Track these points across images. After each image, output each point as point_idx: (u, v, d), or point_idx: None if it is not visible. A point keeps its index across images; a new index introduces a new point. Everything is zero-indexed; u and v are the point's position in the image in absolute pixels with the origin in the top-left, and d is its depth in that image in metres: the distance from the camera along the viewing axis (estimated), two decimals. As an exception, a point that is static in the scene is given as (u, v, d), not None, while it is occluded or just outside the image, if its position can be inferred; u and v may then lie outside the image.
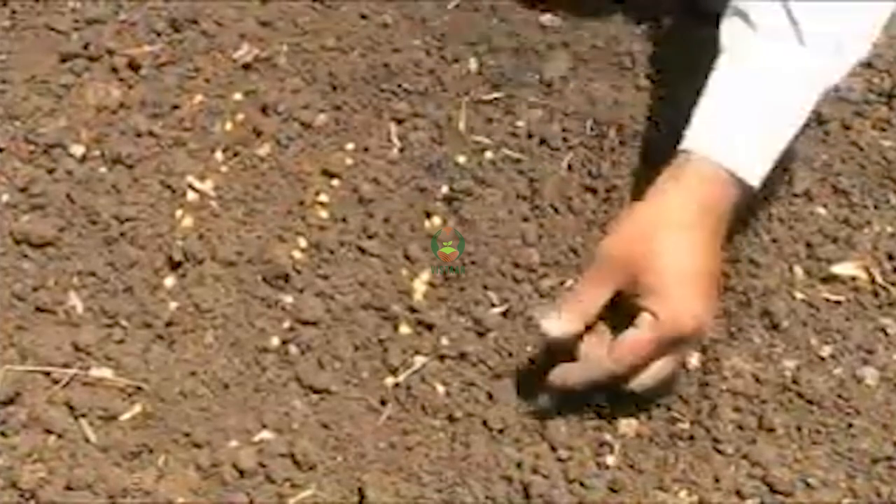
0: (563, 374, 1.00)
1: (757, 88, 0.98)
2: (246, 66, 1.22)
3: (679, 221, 0.96)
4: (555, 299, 1.08)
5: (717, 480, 0.99)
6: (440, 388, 1.05)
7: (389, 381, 1.06)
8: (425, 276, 1.10)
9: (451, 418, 1.04)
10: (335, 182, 1.16)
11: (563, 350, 1.00)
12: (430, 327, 1.08)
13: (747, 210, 1.11)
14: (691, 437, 1.02)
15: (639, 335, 0.96)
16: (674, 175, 0.98)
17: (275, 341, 1.08)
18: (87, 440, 1.02)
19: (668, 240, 0.95)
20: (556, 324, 0.97)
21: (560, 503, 0.98)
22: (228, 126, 1.19)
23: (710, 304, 0.98)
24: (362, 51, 1.23)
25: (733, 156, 0.96)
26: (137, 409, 1.05)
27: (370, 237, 1.12)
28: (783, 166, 1.13)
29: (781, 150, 0.99)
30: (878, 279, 1.08)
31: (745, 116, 0.98)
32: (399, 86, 1.20)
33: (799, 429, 1.01)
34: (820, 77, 0.98)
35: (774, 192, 1.12)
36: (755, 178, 0.98)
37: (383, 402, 1.05)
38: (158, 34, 1.24)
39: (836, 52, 0.97)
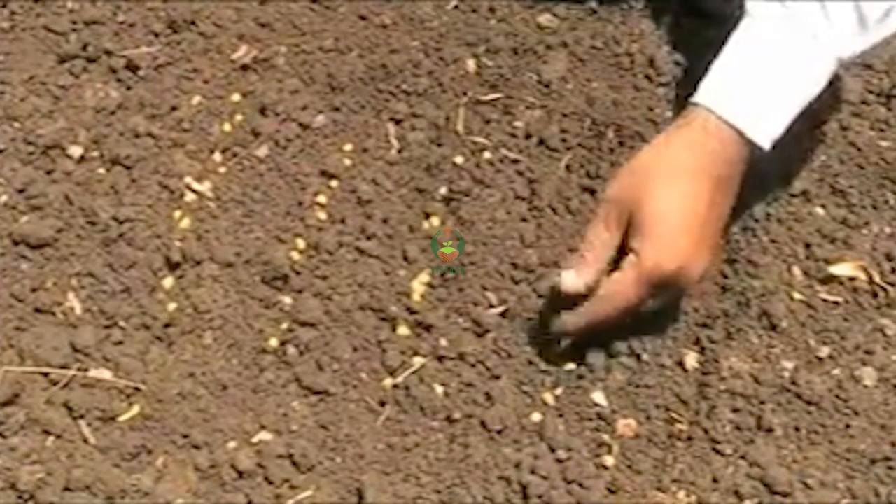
0: (559, 323, 1.03)
1: (774, 51, 0.99)
2: (244, 67, 1.22)
3: (678, 168, 0.98)
4: (554, 301, 1.08)
5: (715, 481, 1.00)
6: (439, 389, 1.05)
7: (388, 381, 1.06)
8: (424, 276, 1.10)
9: (449, 419, 1.04)
10: (334, 183, 1.16)
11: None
12: (428, 328, 1.08)
13: (745, 210, 1.11)
14: (690, 438, 1.02)
15: (621, 275, 0.98)
16: (680, 125, 1.00)
17: (273, 342, 1.08)
18: (85, 441, 1.03)
19: (664, 184, 0.97)
20: (574, 279, 1.00)
21: (558, 504, 0.98)
22: (227, 127, 1.19)
23: (700, 251, 0.99)
24: (361, 52, 1.23)
25: (741, 113, 0.97)
26: (136, 410, 1.05)
27: (369, 238, 1.12)
28: (781, 166, 1.13)
29: (794, 113, 1.00)
30: (877, 279, 1.08)
31: (759, 76, 0.99)
32: (397, 86, 1.20)
33: (797, 429, 1.02)
34: (840, 45, 0.99)
35: (773, 193, 1.12)
36: (764, 139, 0.98)
37: (382, 403, 1.05)
38: (157, 35, 1.24)
39: (858, 22, 0.98)
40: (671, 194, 0.98)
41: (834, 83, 1.09)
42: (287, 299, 1.10)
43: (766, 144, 0.99)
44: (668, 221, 0.97)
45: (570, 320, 1.02)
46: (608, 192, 1.01)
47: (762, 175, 1.13)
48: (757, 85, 0.99)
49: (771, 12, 1.00)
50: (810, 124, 1.14)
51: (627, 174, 1.01)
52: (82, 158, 1.17)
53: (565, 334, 1.04)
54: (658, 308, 1.03)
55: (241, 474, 1.01)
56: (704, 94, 0.99)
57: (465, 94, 1.20)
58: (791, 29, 0.99)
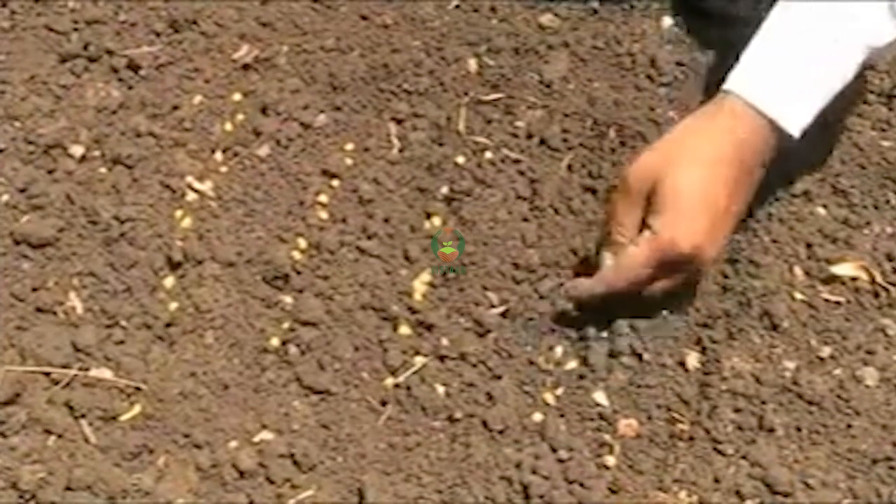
0: (573, 286, 1.04)
1: (805, 39, 0.99)
2: (245, 67, 1.22)
3: (703, 152, 0.98)
4: (554, 302, 1.08)
5: (716, 481, 0.99)
6: (440, 389, 1.05)
7: (389, 381, 1.06)
8: (425, 276, 1.10)
9: (450, 419, 1.04)
10: (335, 182, 1.16)
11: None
12: (429, 328, 1.08)
13: (746, 210, 1.11)
14: (691, 438, 1.02)
15: (636, 250, 0.99)
16: (708, 111, 1.00)
17: (275, 342, 1.08)
18: (86, 441, 1.02)
19: (688, 166, 0.98)
20: (585, 285, 1.03)
21: (560, 504, 0.98)
22: (228, 126, 1.19)
23: (716, 236, 0.99)
24: (362, 51, 1.23)
25: (771, 101, 0.98)
26: (137, 409, 1.04)
27: (370, 237, 1.12)
28: (783, 166, 1.13)
29: (823, 102, 1.00)
30: (878, 279, 1.08)
31: (789, 64, 0.99)
32: (399, 86, 1.20)
33: (799, 429, 1.02)
34: (871, 33, 0.99)
35: (774, 193, 1.12)
36: (793, 127, 0.99)
37: (383, 403, 1.05)
38: (158, 35, 1.24)
39: (889, 10, 0.99)
40: (694, 177, 0.98)
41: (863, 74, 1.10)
42: (288, 299, 1.10)
43: (796, 133, 1.00)
44: (689, 202, 0.98)
45: (583, 285, 1.04)
46: (629, 170, 1.02)
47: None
48: (787, 73, 0.99)
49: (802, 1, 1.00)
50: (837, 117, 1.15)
51: (651, 154, 1.01)
52: (84, 158, 1.17)
53: (577, 299, 1.05)
54: (670, 289, 1.03)
55: (242, 474, 1.01)
56: (735, 80, 1.00)
57: (466, 93, 1.20)
58: (823, 17, 0.99)
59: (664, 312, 1.07)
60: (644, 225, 1.01)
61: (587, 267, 1.08)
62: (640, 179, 1.00)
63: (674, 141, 1.01)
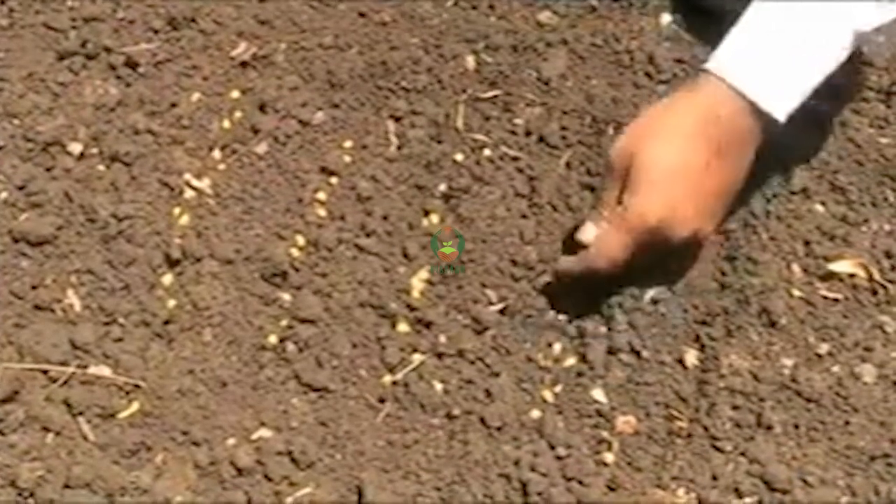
0: (557, 264, 1.06)
1: (790, 22, 0.99)
2: (244, 64, 1.22)
3: (677, 128, 0.99)
4: (551, 298, 1.08)
5: (715, 478, 0.99)
6: (438, 386, 1.05)
7: (387, 378, 1.06)
8: (423, 273, 1.10)
9: (449, 416, 1.04)
10: (333, 180, 1.16)
11: None
12: (428, 325, 1.08)
13: (745, 207, 1.11)
14: (689, 435, 1.02)
15: (609, 228, 1.00)
16: (687, 88, 1.01)
17: (273, 339, 1.08)
18: (85, 438, 1.02)
19: (660, 142, 0.98)
20: (590, 229, 1.03)
21: (558, 501, 0.98)
22: (226, 124, 1.19)
23: (691, 210, 0.99)
24: (360, 49, 1.23)
25: (752, 83, 0.98)
26: (135, 407, 1.05)
27: (368, 235, 1.12)
28: (780, 163, 1.13)
29: (810, 87, 1.00)
30: (877, 277, 1.08)
31: (773, 47, 0.99)
32: (397, 83, 1.20)
33: (797, 426, 1.01)
34: (858, 17, 0.99)
35: (772, 190, 1.12)
36: (778, 111, 0.98)
37: (381, 400, 1.05)
38: (156, 32, 1.24)
39: None
40: (664, 151, 0.99)
41: (855, 62, 1.09)
42: (286, 296, 1.10)
43: (781, 117, 0.99)
44: (656, 176, 0.98)
45: (566, 263, 1.05)
46: (612, 148, 1.02)
47: (761, 172, 1.13)
48: (771, 56, 0.98)
49: None
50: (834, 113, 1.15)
51: (630, 132, 1.02)
52: (82, 155, 1.17)
53: (565, 276, 1.06)
54: (651, 262, 1.04)
55: (240, 471, 1.01)
56: (715, 61, 1.00)
57: (464, 91, 1.20)
58: (807, 1, 0.99)
59: (653, 293, 1.07)
60: (618, 202, 1.01)
61: (575, 245, 1.08)
62: (620, 157, 1.01)
63: (651, 117, 1.02)
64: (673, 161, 0.98)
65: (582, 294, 1.07)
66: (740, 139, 1.00)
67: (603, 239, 1.02)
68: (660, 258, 1.05)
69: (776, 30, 0.99)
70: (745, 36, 1.00)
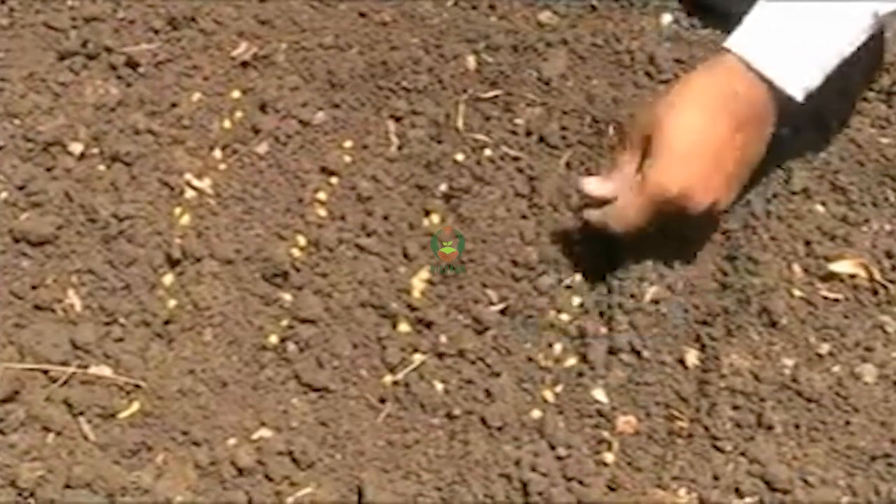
0: (585, 214, 1.07)
1: (808, 3, 1.00)
2: (244, 64, 1.22)
3: (698, 102, 1.00)
4: (554, 297, 1.08)
5: (715, 478, 0.99)
6: (439, 386, 1.05)
7: (388, 378, 1.06)
8: (424, 273, 1.10)
9: (449, 416, 1.04)
10: (334, 180, 1.16)
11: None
12: (428, 325, 1.08)
13: (745, 207, 1.11)
14: (690, 435, 1.02)
15: (629, 194, 1.02)
16: (707, 66, 1.03)
17: (273, 339, 1.08)
18: (85, 438, 1.02)
19: (681, 113, 1.00)
20: (594, 184, 1.05)
21: (559, 501, 0.98)
22: (227, 124, 1.19)
23: (710, 182, 1.01)
24: (361, 49, 1.23)
25: (770, 61, 0.99)
26: (136, 407, 1.05)
27: (369, 235, 1.12)
28: (781, 164, 1.13)
29: (828, 67, 1.00)
30: (877, 277, 1.08)
31: (792, 27, 0.99)
32: (397, 83, 1.20)
33: (798, 426, 1.01)
34: (877, 2, 1.00)
35: (772, 190, 1.12)
36: (796, 90, 1.00)
37: (382, 400, 1.05)
38: (157, 32, 1.24)
39: None
40: (685, 123, 1.00)
41: (877, 43, 1.10)
42: (287, 296, 1.10)
43: (799, 95, 1.00)
44: (677, 146, 1.00)
45: (587, 214, 1.07)
46: (634, 116, 1.05)
47: (762, 172, 1.13)
48: (789, 35, 0.99)
49: None
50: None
51: (651, 104, 1.04)
52: (82, 155, 1.17)
53: (588, 225, 1.08)
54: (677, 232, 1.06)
55: (241, 471, 1.01)
56: (735, 40, 1.01)
57: (465, 91, 1.20)
58: None
59: (653, 292, 1.07)
60: (639, 171, 1.03)
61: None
62: (638, 128, 1.03)
63: (671, 92, 1.03)
64: (695, 133, 1.00)
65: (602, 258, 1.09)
66: (758, 115, 1.01)
67: (621, 205, 1.03)
68: (676, 226, 1.06)
69: (795, 9, 1.00)
70: (764, 15, 1.01)
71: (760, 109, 1.01)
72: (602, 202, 1.05)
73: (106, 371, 1.05)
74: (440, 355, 1.06)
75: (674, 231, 1.07)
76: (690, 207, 1.02)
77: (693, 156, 1.00)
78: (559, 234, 1.12)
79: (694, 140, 1.00)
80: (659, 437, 1.03)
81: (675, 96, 1.02)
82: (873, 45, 1.09)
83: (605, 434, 1.03)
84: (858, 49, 1.02)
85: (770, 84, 0.99)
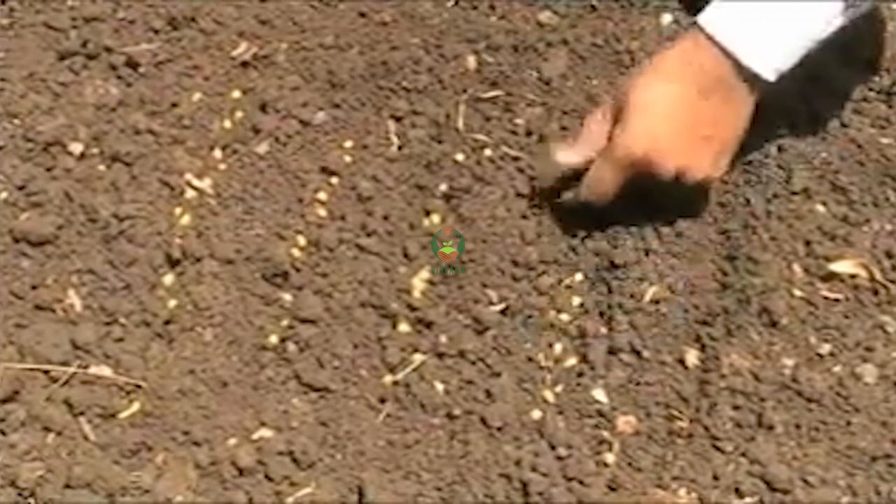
0: (562, 198, 1.12)
1: None
2: (244, 64, 1.22)
3: (664, 72, 1.04)
4: (554, 297, 1.08)
5: (716, 478, 1.00)
6: (439, 386, 1.05)
7: (388, 379, 1.06)
8: (424, 273, 1.10)
9: (450, 416, 1.04)
10: (334, 180, 1.16)
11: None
12: (429, 325, 1.08)
13: (745, 207, 1.11)
14: (690, 435, 1.02)
15: (599, 160, 1.06)
16: (678, 40, 1.05)
17: (273, 339, 1.08)
18: (86, 438, 1.03)
19: (648, 82, 1.04)
20: (564, 152, 1.10)
21: (559, 501, 0.98)
22: (227, 124, 1.19)
23: (677, 147, 1.03)
24: (361, 49, 1.23)
25: (734, 36, 1.00)
26: (136, 407, 1.05)
27: (369, 235, 1.12)
28: (781, 164, 1.13)
29: (798, 47, 1.01)
30: (878, 277, 1.08)
31: (759, 5, 1.00)
32: (398, 83, 1.20)
33: (798, 426, 1.02)
34: None
35: (773, 190, 1.12)
36: (761, 67, 1.00)
37: (382, 401, 1.05)
38: (157, 32, 1.24)
39: None
40: (652, 90, 1.03)
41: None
42: (287, 296, 1.10)
43: (769, 75, 1.01)
44: (643, 111, 1.03)
45: (564, 196, 1.11)
46: (613, 89, 1.09)
47: (762, 173, 1.13)
48: (755, 13, 1.00)
49: None
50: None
51: (628, 76, 1.08)
52: (82, 155, 1.17)
53: (568, 207, 1.11)
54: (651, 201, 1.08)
55: (241, 471, 1.01)
56: (705, 16, 1.02)
57: (465, 91, 1.20)
58: None
59: (653, 292, 1.07)
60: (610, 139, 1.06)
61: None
62: (613, 98, 1.06)
63: (644, 65, 1.06)
64: (660, 99, 1.03)
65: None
66: (727, 89, 1.02)
67: (594, 172, 1.07)
68: (658, 197, 1.08)
69: None
70: None
71: (729, 84, 1.02)
72: (575, 178, 1.08)
73: (106, 371, 1.05)
74: (440, 355, 1.06)
75: (663, 205, 1.10)
76: (658, 171, 1.04)
77: (657, 120, 1.03)
78: (559, 234, 1.12)
79: (659, 106, 1.03)
80: (659, 437, 1.03)
81: (644, 68, 1.05)
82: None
83: (606, 434, 1.03)
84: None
85: (735, 60, 1.00)
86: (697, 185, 1.07)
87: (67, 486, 0.99)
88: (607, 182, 1.06)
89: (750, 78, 1.01)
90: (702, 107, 1.03)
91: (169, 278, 1.11)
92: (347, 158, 1.17)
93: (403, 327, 1.08)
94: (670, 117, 1.03)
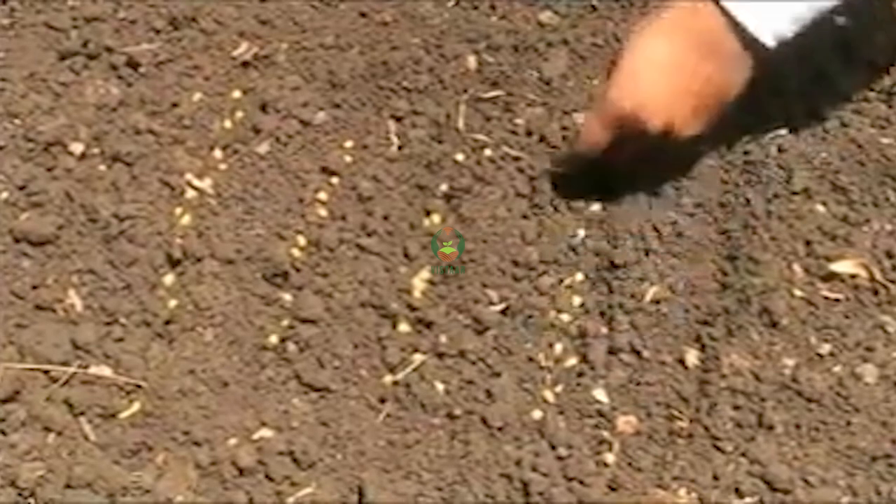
0: (557, 154, 1.15)
1: None
2: (245, 64, 1.22)
3: (661, 30, 1.05)
4: (555, 297, 1.08)
5: (716, 478, 0.99)
6: (439, 386, 1.05)
7: (388, 379, 1.06)
8: (424, 273, 1.10)
9: (450, 416, 1.04)
10: (334, 180, 1.16)
11: None
12: (429, 325, 1.08)
13: (746, 207, 1.11)
14: (690, 435, 1.02)
15: (589, 113, 1.10)
16: (677, 6, 1.04)
17: (274, 339, 1.08)
18: (86, 438, 1.03)
19: (644, 39, 1.05)
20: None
21: (559, 501, 0.98)
22: (227, 124, 1.19)
23: (665, 102, 1.04)
24: (361, 49, 1.23)
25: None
26: (136, 407, 1.05)
27: (369, 235, 1.12)
28: (781, 164, 1.13)
29: (801, 15, 1.01)
30: (878, 277, 1.08)
31: None
32: (398, 84, 1.20)
33: (798, 426, 1.01)
34: None
35: (773, 190, 1.12)
36: (761, 31, 1.00)
37: (382, 401, 1.05)
38: (157, 32, 1.24)
39: None
40: (646, 46, 1.04)
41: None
42: (287, 296, 1.10)
43: (768, 40, 1.01)
44: (634, 66, 1.04)
45: (560, 154, 1.14)
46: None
47: (762, 173, 1.13)
48: None
49: None
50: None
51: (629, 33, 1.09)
52: (83, 155, 1.17)
53: (568, 164, 1.14)
54: (635, 154, 1.09)
55: (241, 471, 1.01)
56: None
57: (465, 91, 1.20)
58: None
59: (653, 292, 1.08)
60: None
61: None
62: (616, 56, 1.08)
63: (644, 25, 1.06)
64: (653, 56, 1.04)
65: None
66: (724, 52, 1.02)
67: (586, 123, 1.09)
68: (652, 155, 1.08)
69: None
70: None
71: (725, 46, 1.02)
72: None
73: (106, 371, 1.05)
74: (440, 355, 1.06)
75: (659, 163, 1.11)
76: (645, 126, 1.04)
77: (648, 75, 1.03)
78: (559, 234, 1.12)
79: (651, 62, 1.03)
80: (659, 438, 1.03)
81: (645, 26, 1.06)
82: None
83: (606, 434, 1.03)
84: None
85: (733, 21, 1.00)
86: (687, 142, 1.06)
87: (68, 486, 0.99)
88: (597, 134, 1.07)
89: (748, 42, 1.01)
90: (696, 66, 1.03)
91: (169, 278, 1.11)
92: (348, 158, 1.17)
93: (403, 327, 1.08)
94: (662, 75, 1.03)
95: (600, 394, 1.04)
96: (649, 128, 1.04)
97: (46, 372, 1.05)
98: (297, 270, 1.10)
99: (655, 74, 1.03)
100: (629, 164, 1.11)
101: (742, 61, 1.03)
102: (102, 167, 1.16)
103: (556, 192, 1.13)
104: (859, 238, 1.10)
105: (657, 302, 1.07)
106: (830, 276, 1.08)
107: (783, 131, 1.16)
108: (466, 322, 1.08)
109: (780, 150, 1.14)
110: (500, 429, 1.03)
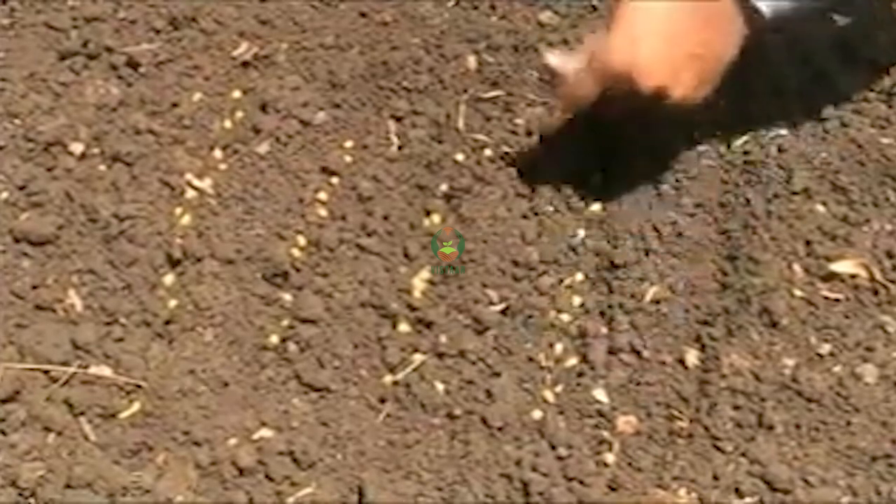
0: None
1: None
2: (245, 64, 1.22)
3: None
4: (555, 297, 1.09)
5: (716, 478, 0.99)
6: (439, 386, 1.05)
7: (388, 379, 1.06)
8: (424, 273, 1.10)
9: (450, 416, 1.04)
10: (334, 180, 1.16)
11: None
12: (429, 325, 1.08)
13: (746, 207, 1.11)
14: (690, 435, 1.02)
15: (584, 65, 1.06)
16: None
17: (274, 339, 1.08)
18: (86, 438, 1.02)
19: (638, 1, 1.03)
20: (556, 58, 1.09)
21: (559, 501, 0.98)
22: (227, 124, 1.19)
23: (658, 60, 1.02)
24: (361, 49, 1.23)
25: None
26: (137, 407, 1.05)
27: (369, 235, 1.12)
28: (781, 164, 1.13)
29: None
30: (878, 277, 1.08)
31: None
32: (398, 83, 1.20)
33: (798, 426, 1.01)
34: None
35: (773, 190, 1.12)
36: (762, 2, 1.00)
37: (382, 401, 1.05)
38: (158, 32, 1.24)
39: None
40: (640, 7, 1.02)
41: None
42: (287, 296, 1.10)
43: (766, 10, 1.01)
44: (629, 26, 1.02)
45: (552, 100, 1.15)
46: None
47: (762, 173, 1.13)
48: None
49: None
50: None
51: None
52: (83, 155, 1.17)
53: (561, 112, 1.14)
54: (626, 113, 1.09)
55: (241, 471, 1.01)
56: None
57: (465, 91, 1.20)
58: None
59: (653, 292, 1.07)
60: None
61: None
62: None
63: None
64: (648, 15, 1.02)
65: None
66: (724, 19, 1.02)
67: (578, 76, 1.06)
68: (643, 116, 1.09)
69: None
70: None
71: (728, 14, 1.02)
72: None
73: (106, 371, 1.05)
74: (440, 355, 1.06)
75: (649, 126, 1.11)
76: (636, 86, 1.03)
77: (642, 36, 1.02)
78: (559, 234, 1.12)
79: (646, 22, 1.02)
80: (659, 438, 1.03)
81: None
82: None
83: (606, 434, 1.03)
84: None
85: None
86: (678, 105, 1.05)
87: (68, 487, 0.99)
88: (586, 87, 1.06)
89: (748, 12, 1.01)
90: (690, 27, 1.02)
91: (169, 278, 1.11)
92: (348, 158, 1.17)
93: (403, 327, 1.08)
94: (656, 35, 1.02)
95: (600, 394, 1.04)
96: (641, 89, 1.03)
97: (46, 372, 1.05)
98: (297, 270, 1.10)
99: (649, 36, 1.02)
100: (618, 120, 1.11)
101: (736, 26, 1.03)
102: (102, 167, 1.16)
103: (556, 192, 1.14)
104: (859, 238, 1.10)
105: (657, 302, 1.07)
106: (830, 276, 1.08)
107: (783, 131, 1.16)
108: (466, 322, 1.08)
109: (780, 150, 1.15)
110: (500, 429, 1.03)
